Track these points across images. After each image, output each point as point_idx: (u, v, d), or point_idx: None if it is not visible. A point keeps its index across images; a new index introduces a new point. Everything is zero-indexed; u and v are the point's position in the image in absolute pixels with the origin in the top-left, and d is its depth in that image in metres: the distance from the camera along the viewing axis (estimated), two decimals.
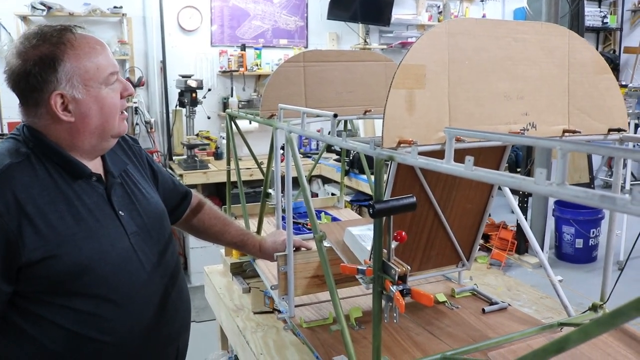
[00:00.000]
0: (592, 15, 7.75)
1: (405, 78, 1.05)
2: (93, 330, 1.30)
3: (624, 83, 7.12)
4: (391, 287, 1.02)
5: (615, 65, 7.81)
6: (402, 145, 1.04)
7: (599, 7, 7.96)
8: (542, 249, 3.88)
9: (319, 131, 1.31)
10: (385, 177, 1.36)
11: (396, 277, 1.02)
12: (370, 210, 0.99)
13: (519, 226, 4.04)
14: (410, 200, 1.01)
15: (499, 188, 1.60)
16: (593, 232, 4.04)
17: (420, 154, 0.95)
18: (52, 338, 1.27)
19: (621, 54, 8.01)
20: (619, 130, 1.34)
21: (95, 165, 1.38)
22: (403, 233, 1.07)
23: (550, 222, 4.11)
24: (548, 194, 0.68)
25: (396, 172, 1.33)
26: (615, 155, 0.67)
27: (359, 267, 1.13)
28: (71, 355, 1.29)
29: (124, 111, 1.40)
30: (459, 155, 0.86)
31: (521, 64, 1.23)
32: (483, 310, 1.66)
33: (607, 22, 7.84)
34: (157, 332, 1.42)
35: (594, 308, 1.44)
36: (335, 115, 1.21)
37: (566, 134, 1.30)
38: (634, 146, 1.47)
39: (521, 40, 1.23)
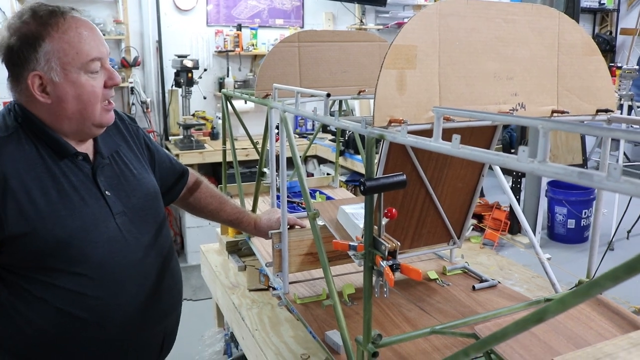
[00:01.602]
0: None
1: (397, 58, 1.07)
2: (77, 309, 1.31)
3: (620, 64, 7.13)
4: (381, 262, 1.05)
5: (611, 47, 7.81)
6: (392, 124, 1.06)
7: None
8: (535, 230, 3.93)
9: (313, 111, 1.33)
10: (377, 156, 1.40)
11: (386, 253, 1.05)
12: (362, 188, 1.01)
13: (512, 207, 4.09)
14: (400, 178, 1.04)
15: (490, 168, 1.62)
16: (585, 212, 4.08)
17: (410, 133, 0.97)
18: (40, 314, 1.30)
19: (617, 36, 8.00)
20: (606, 111, 1.36)
21: (85, 145, 1.40)
22: (393, 210, 1.09)
23: (543, 203, 4.15)
24: (530, 171, 0.71)
25: (388, 151, 1.35)
26: (593, 134, 0.70)
27: (351, 243, 1.16)
28: (58, 331, 1.32)
29: (110, 101, 1.38)
30: (449, 135, 0.89)
31: (511, 44, 1.25)
32: (473, 287, 1.70)
33: (604, 4, 7.82)
34: (145, 312, 1.44)
35: (580, 285, 1.47)
36: (329, 95, 1.23)
37: (555, 114, 1.33)
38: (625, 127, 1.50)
39: (511, 22, 1.25)
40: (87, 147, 1.40)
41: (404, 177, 1.05)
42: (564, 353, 1.01)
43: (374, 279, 1.12)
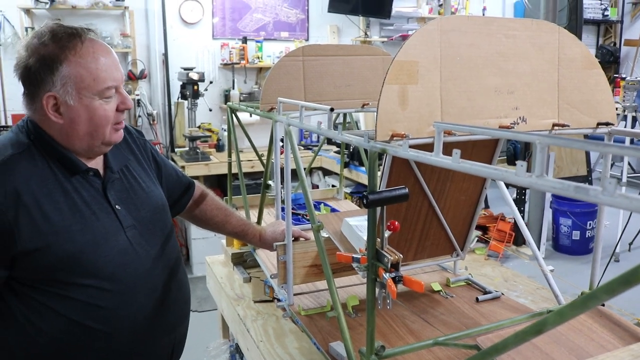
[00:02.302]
0: (593, 7, 7.76)
1: (399, 74, 1.09)
2: (89, 319, 1.34)
3: (624, 76, 7.14)
4: (384, 275, 1.06)
5: (615, 58, 7.83)
6: (395, 138, 1.08)
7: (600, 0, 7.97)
8: (540, 241, 3.93)
9: (318, 124, 1.35)
10: (380, 168, 1.41)
11: (389, 265, 1.06)
12: (364, 201, 1.03)
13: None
14: (403, 191, 1.06)
15: (493, 180, 1.64)
16: (590, 224, 4.08)
17: (412, 147, 0.99)
18: (51, 325, 1.32)
19: (621, 47, 8.02)
20: (607, 124, 1.38)
21: (95, 161, 1.43)
22: (396, 223, 1.11)
23: (548, 214, 4.15)
24: (527, 185, 0.73)
25: (391, 164, 1.37)
26: (588, 149, 0.71)
27: (354, 255, 1.18)
28: (68, 341, 1.34)
29: (120, 123, 1.41)
30: (451, 149, 0.91)
31: (512, 59, 1.27)
32: (477, 299, 1.70)
33: (607, 15, 7.85)
34: (154, 323, 1.46)
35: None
36: (332, 109, 1.25)
37: (556, 127, 1.34)
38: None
39: (512, 37, 1.27)
40: (97, 163, 1.43)
41: (406, 190, 1.06)
42: None
43: (377, 290, 1.14)
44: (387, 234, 1.11)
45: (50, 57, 1.28)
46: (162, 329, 1.50)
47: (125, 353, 1.42)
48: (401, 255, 1.08)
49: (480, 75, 1.22)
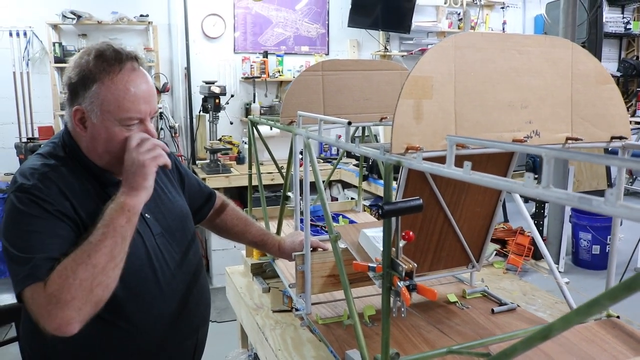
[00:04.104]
0: (615, 21, 7.72)
1: (414, 89, 1.13)
2: (121, 319, 1.41)
3: None
4: (398, 283, 1.10)
5: (638, 72, 7.77)
6: (410, 151, 1.12)
7: (622, 13, 7.93)
8: (559, 255, 3.91)
9: (339, 137, 1.39)
10: (398, 180, 1.45)
11: (403, 274, 1.10)
12: (380, 211, 1.07)
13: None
14: (417, 202, 1.09)
15: (508, 193, 1.66)
16: (609, 238, 4.04)
17: (427, 159, 1.03)
18: (86, 324, 1.38)
19: None
20: (620, 137, 1.40)
21: None
22: (411, 233, 1.14)
23: (568, 228, 4.13)
24: (535, 196, 0.76)
25: (407, 176, 1.41)
26: (596, 162, 0.74)
27: (370, 264, 1.21)
28: (101, 339, 1.41)
29: None
30: (462, 160, 0.94)
31: (525, 74, 1.30)
32: (492, 310, 1.72)
33: (630, 29, 7.80)
34: (179, 324, 1.53)
35: None
36: (350, 123, 1.29)
37: (569, 141, 1.37)
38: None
39: (525, 53, 1.30)
40: None
41: (421, 201, 1.10)
42: None
43: (392, 299, 1.17)
44: (402, 243, 1.15)
45: (88, 75, 1.35)
46: (186, 330, 1.57)
47: (153, 351, 1.49)
48: (415, 264, 1.11)
49: (494, 90, 1.26)
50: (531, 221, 1.80)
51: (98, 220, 1.30)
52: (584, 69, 1.38)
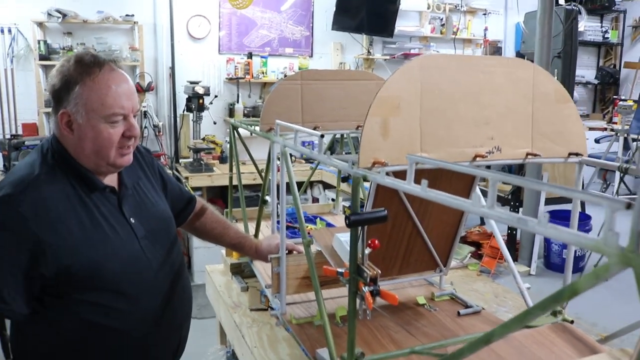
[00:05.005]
0: (594, 30, 7.90)
1: (381, 107, 1.21)
2: (108, 319, 1.48)
3: (623, 97, 7.26)
4: (363, 288, 1.18)
5: (615, 80, 7.95)
6: (376, 165, 1.20)
7: (601, 22, 8.11)
8: (531, 259, 4.02)
9: (309, 146, 1.47)
10: (369, 189, 1.53)
11: (368, 279, 1.18)
12: (347, 221, 1.15)
13: (509, 236, 4.18)
14: (382, 213, 1.17)
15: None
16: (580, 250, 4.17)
17: (394, 173, 1.11)
18: (72, 325, 1.46)
19: (621, 69, 8.15)
20: (577, 154, 1.49)
21: (110, 178, 1.57)
22: (376, 241, 1.23)
23: None
24: (480, 214, 0.84)
25: (376, 187, 1.49)
26: (541, 190, 0.83)
27: (338, 270, 1.29)
28: (89, 340, 1.48)
29: (129, 146, 1.51)
30: (430, 175, 1.02)
31: (488, 93, 1.39)
32: (458, 312, 1.81)
33: (608, 37, 7.99)
34: (164, 322, 1.61)
35: (554, 313, 1.58)
36: (322, 136, 1.37)
37: (529, 156, 1.46)
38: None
39: (488, 73, 1.39)
40: (112, 180, 1.57)
41: (385, 213, 1.18)
42: None
43: (357, 302, 1.25)
44: (367, 251, 1.23)
45: (70, 79, 1.43)
46: (170, 326, 1.65)
47: (139, 348, 1.56)
48: (379, 271, 1.19)
49: (457, 108, 1.34)
50: (495, 226, 1.90)
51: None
52: (544, 89, 1.47)
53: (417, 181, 1.00)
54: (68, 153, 1.48)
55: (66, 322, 1.45)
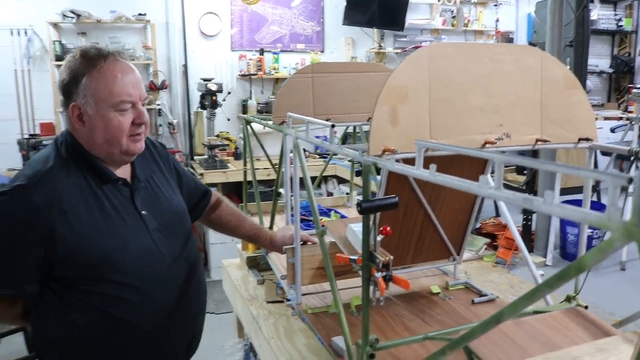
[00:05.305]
0: (607, 18, 7.82)
1: (389, 96, 1.23)
2: (119, 311, 1.51)
3: (638, 85, 7.18)
4: (375, 274, 1.20)
5: (630, 68, 7.87)
6: (386, 153, 1.22)
7: (614, 10, 8.02)
8: (547, 249, 4.02)
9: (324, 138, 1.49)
10: (381, 178, 1.55)
11: (380, 265, 1.20)
12: (358, 208, 1.17)
13: (524, 226, 4.18)
14: (393, 200, 1.19)
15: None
16: (596, 232, 4.16)
17: (403, 160, 1.13)
18: (85, 317, 1.49)
19: (636, 57, 8.06)
20: (587, 139, 1.50)
21: (123, 171, 1.60)
22: (388, 228, 1.25)
23: (556, 223, 4.24)
24: (487, 196, 0.86)
25: (388, 175, 1.51)
26: (544, 169, 0.85)
27: (351, 257, 1.32)
28: (101, 331, 1.51)
29: (139, 132, 1.55)
30: (440, 162, 1.03)
31: (497, 81, 1.40)
32: (472, 301, 1.83)
33: (622, 26, 7.90)
34: (177, 314, 1.63)
35: (567, 299, 1.59)
36: (333, 126, 1.40)
37: (539, 142, 1.47)
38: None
39: (497, 61, 1.40)
40: (125, 173, 1.60)
41: (396, 199, 1.20)
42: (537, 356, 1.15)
43: (371, 288, 1.27)
44: (379, 237, 1.25)
45: (77, 72, 1.47)
46: (184, 320, 1.67)
47: (152, 340, 1.59)
48: (392, 256, 1.21)
49: (466, 97, 1.35)
50: (509, 217, 1.91)
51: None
52: (552, 76, 1.48)
53: (427, 167, 1.02)
54: (81, 146, 1.52)
55: (81, 313, 1.49)
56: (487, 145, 1.37)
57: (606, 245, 0.67)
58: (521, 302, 0.83)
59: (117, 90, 1.47)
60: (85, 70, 1.46)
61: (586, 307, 1.54)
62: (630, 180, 0.64)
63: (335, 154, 5.00)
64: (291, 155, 1.90)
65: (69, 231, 1.42)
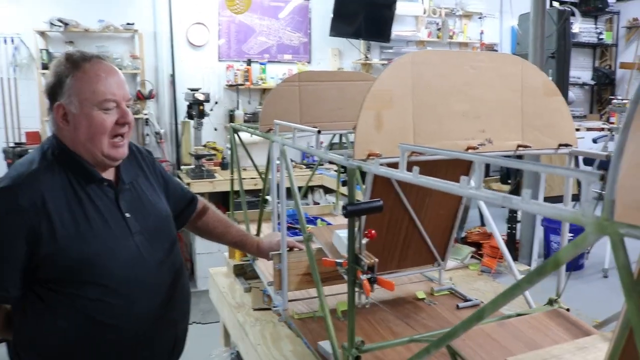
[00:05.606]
0: (588, 31, 7.96)
1: (374, 101, 1.26)
2: (101, 315, 1.51)
3: (620, 97, 7.30)
4: (361, 276, 1.22)
5: (611, 80, 8.00)
6: (371, 157, 1.24)
7: (595, 24, 8.17)
8: (531, 257, 4.06)
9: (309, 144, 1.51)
10: (365, 184, 1.58)
11: (365, 267, 1.22)
12: (343, 211, 1.19)
13: (509, 235, 4.23)
14: (377, 203, 1.22)
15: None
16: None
17: (387, 164, 1.15)
18: (67, 320, 1.49)
19: (617, 69, 8.20)
20: (567, 145, 1.54)
21: (109, 173, 1.61)
22: (372, 231, 1.27)
23: (540, 232, 4.29)
24: (468, 196, 0.89)
25: (373, 180, 1.53)
26: (522, 168, 0.87)
27: (337, 260, 1.34)
28: (83, 334, 1.51)
29: (122, 137, 1.55)
30: (424, 167, 1.06)
31: (478, 88, 1.44)
32: (457, 306, 1.85)
33: (602, 39, 8.05)
34: (159, 319, 1.62)
35: (550, 302, 1.62)
36: (319, 132, 1.42)
37: (520, 148, 1.51)
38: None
39: (478, 68, 1.44)
40: (110, 175, 1.61)
41: (381, 203, 1.22)
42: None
43: (357, 291, 1.29)
44: (364, 240, 1.27)
45: (61, 74, 1.50)
46: (165, 324, 1.66)
47: (133, 344, 1.58)
48: (376, 259, 1.24)
49: (448, 102, 1.39)
50: (493, 224, 1.94)
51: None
52: (532, 83, 1.52)
53: (410, 171, 1.04)
54: (66, 146, 1.53)
55: (63, 316, 1.49)
56: (469, 151, 1.40)
57: (580, 240, 0.70)
58: (502, 298, 0.86)
59: (101, 89, 1.49)
60: (69, 72, 1.49)
61: (567, 310, 1.57)
62: (602, 177, 0.67)
63: (321, 164, 5.05)
64: (278, 162, 1.92)
65: (52, 232, 1.43)
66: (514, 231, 4.24)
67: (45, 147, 1.55)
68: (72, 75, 1.48)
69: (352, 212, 1.19)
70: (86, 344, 1.52)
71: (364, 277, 1.22)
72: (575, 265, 4.30)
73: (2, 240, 1.42)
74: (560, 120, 1.56)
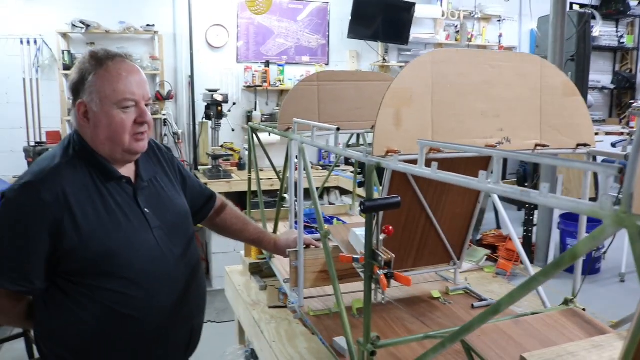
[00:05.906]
0: (609, 35, 7.88)
1: (393, 99, 1.27)
2: (121, 307, 1.54)
3: None
4: (378, 271, 1.23)
5: (631, 85, 7.91)
6: (389, 154, 1.26)
7: (616, 27, 8.09)
8: (547, 260, 4.03)
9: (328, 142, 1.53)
10: (383, 182, 1.59)
11: (382, 263, 1.23)
12: (361, 207, 1.21)
13: (525, 238, 4.20)
14: (395, 199, 1.23)
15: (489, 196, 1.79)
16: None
17: (406, 161, 1.16)
18: (87, 311, 1.52)
19: (638, 74, 8.11)
20: (585, 145, 1.54)
21: (127, 170, 1.64)
22: (390, 227, 1.28)
23: (556, 235, 4.26)
24: (485, 190, 0.90)
25: (391, 177, 1.54)
26: (531, 160, 0.88)
27: (354, 256, 1.35)
28: (104, 325, 1.54)
29: (142, 132, 1.58)
30: (444, 165, 1.07)
31: (497, 87, 1.44)
32: (472, 305, 1.85)
33: (623, 42, 7.96)
34: (176, 312, 1.65)
35: (565, 302, 1.62)
36: (338, 129, 1.44)
37: (538, 147, 1.51)
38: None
39: (497, 67, 1.44)
40: (129, 172, 1.64)
41: (399, 199, 1.23)
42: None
43: (373, 287, 1.30)
44: (382, 236, 1.28)
45: (85, 71, 1.53)
46: (183, 318, 1.69)
47: (152, 337, 1.61)
48: (393, 255, 1.25)
49: (467, 101, 1.40)
50: (511, 227, 1.94)
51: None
52: (552, 83, 1.52)
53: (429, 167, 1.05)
54: (87, 143, 1.57)
55: (85, 308, 1.51)
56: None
57: (598, 233, 0.70)
58: (518, 291, 0.87)
59: (121, 88, 1.52)
60: (93, 69, 1.52)
61: (583, 309, 1.56)
62: (621, 170, 0.67)
63: (338, 165, 5.05)
64: (296, 161, 1.94)
65: (74, 226, 1.46)
66: (530, 234, 4.22)
67: (67, 143, 1.59)
68: (94, 72, 1.51)
69: (370, 207, 1.21)
70: (106, 336, 1.55)
71: (380, 272, 1.23)
72: (591, 269, 4.26)
73: (27, 234, 1.45)
74: (579, 120, 1.56)
